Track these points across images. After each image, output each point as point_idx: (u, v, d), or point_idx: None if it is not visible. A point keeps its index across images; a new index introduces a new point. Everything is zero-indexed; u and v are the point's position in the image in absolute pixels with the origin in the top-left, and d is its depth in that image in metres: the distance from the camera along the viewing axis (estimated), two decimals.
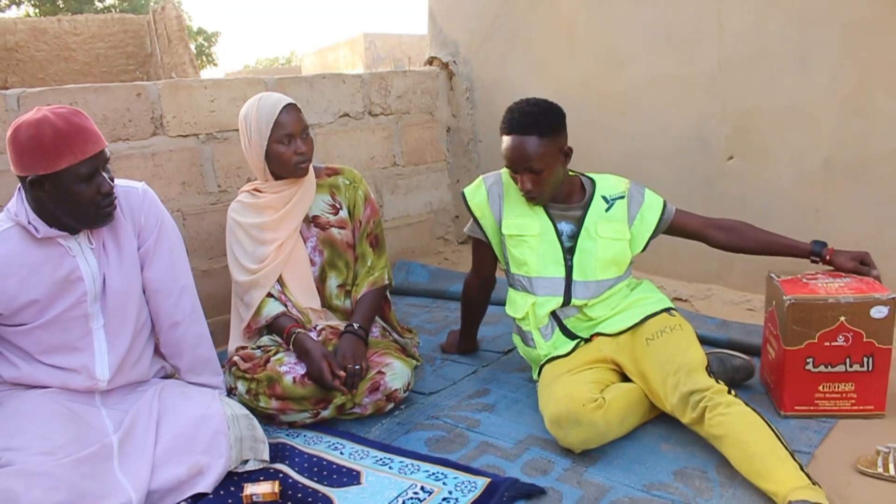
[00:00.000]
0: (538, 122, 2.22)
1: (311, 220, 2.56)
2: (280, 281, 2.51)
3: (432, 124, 4.18)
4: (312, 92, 3.52)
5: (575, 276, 2.32)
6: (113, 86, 2.88)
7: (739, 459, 1.84)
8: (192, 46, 16.56)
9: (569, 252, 2.34)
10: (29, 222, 1.92)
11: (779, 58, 2.93)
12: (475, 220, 2.48)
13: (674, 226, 2.42)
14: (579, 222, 2.35)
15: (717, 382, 1.97)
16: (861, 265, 2.26)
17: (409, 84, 4.01)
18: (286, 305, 2.49)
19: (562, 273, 2.32)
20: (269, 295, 2.47)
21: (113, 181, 1.97)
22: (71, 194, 1.88)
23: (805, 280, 2.25)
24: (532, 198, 2.31)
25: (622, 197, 2.38)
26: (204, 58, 23.69)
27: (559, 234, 2.34)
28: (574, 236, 2.34)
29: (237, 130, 3.17)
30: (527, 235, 2.36)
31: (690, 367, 2.03)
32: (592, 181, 2.43)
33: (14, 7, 21.69)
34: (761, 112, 3.02)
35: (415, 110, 4.06)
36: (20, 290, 1.92)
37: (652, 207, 2.40)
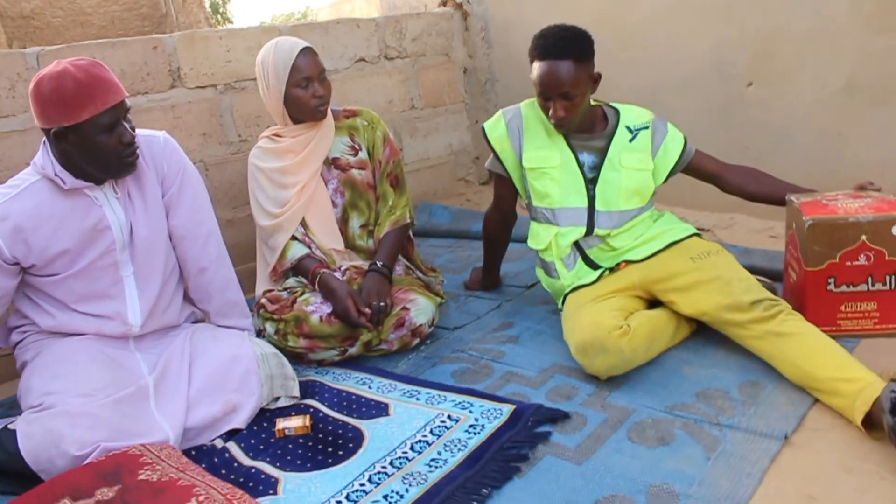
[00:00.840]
0: (572, 46, 2.20)
1: (332, 162, 2.59)
2: (303, 223, 2.55)
3: (448, 66, 4.16)
4: (327, 38, 3.51)
5: (598, 206, 2.33)
6: (130, 40, 2.90)
7: (812, 352, 1.88)
8: (207, 4, 16.46)
9: (591, 182, 2.34)
10: (56, 174, 1.96)
11: None
12: (495, 154, 2.48)
13: (692, 165, 2.43)
14: (602, 153, 2.35)
15: None
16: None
17: (423, 26, 3.99)
18: (310, 247, 2.53)
19: (584, 203, 2.33)
20: (294, 238, 2.51)
21: (134, 131, 2.00)
22: (94, 144, 1.91)
23: (825, 201, 2.23)
24: (562, 125, 2.29)
25: (646, 127, 2.38)
26: (219, 16, 23.55)
27: (581, 165, 2.35)
28: (597, 167, 2.34)
29: (254, 80, 3.20)
30: (548, 167, 2.37)
31: (756, 284, 2.12)
32: (616, 111, 2.42)
33: None
34: (781, 36, 2.97)
35: (430, 52, 4.04)
36: (51, 241, 1.97)
37: (675, 139, 2.41)
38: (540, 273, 2.52)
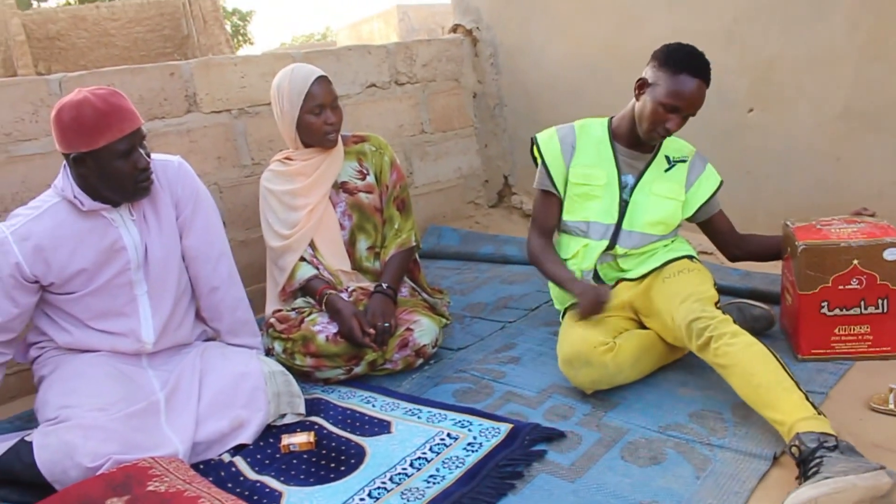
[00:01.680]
0: (708, 72, 2.25)
1: (340, 186, 2.67)
2: (312, 245, 2.62)
3: (458, 91, 4.24)
4: (339, 64, 3.61)
5: (624, 225, 2.39)
6: (148, 67, 3.01)
7: (745, 389, 1.88)
8: (228, 26, 16.75)
9: (624, 202, 2.40)
10: (74, 196, 2.06)
11: (795, 7, 2.94)
12: (546, 169, 2.47)
13: (713, 219, 2.49)
14: (640, 175, 2.41)
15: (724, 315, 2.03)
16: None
17: (434, 52, 4.08)
18: (318, 268, 2.61)
19: (614, 220, 2.39)
20: (302, 259, 2.59)
21: (149, 157, 2.10)
22: (110, 169, 2.01)
23: (819, 226, 2.28)
24: (663, 137, 2.32)
25: (684, 161, 2.43)
26: (240, 37, 23.91)
27: (622, 186, 2.41)
28: (632, 189, 2.41)
29: (268, 105, 3.29)
30: (593, 185, 2.41)
31: (698, 297, 2.11)
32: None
33: None
34: (779, 63, 3.04)
35: (440, 78, 4.13)
36: (70, 260, 2.06)
37: (710, 178, 2.46)
38: (554, 287, 2.55)
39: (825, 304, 2.20)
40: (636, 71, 2.41)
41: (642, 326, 2.34)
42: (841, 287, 2.18)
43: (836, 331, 2.23)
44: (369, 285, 2.62)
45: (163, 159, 2.25)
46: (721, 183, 2.47)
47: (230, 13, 23.41)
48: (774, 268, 3.05)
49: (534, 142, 2.53)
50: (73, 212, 2.08)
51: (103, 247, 2.10)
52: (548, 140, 2.51)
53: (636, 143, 2.40)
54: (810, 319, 2.23)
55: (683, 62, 2.23)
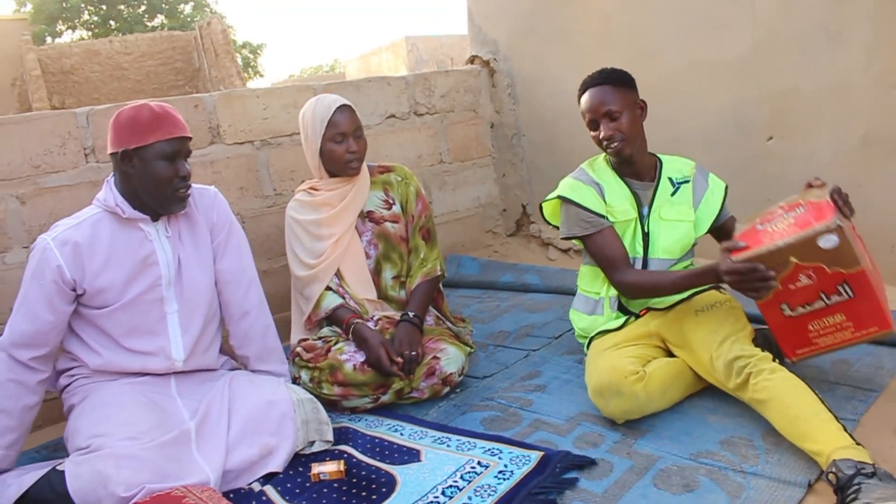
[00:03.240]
0: (604, 72, 2.43)
1: (366, 215, 2.69)
2: (338, 274, 2.64)
3: (476, 121, 4.29)
4: (359, 95, 3.65)
5: (650, 255, 2.41)
6: (172, 99, 3.04)
7: (783, 422, 1.89)
8: (238, 59, 16.94)
9: (644, 233, 2.42)
10: (116, 204, 2.14)
11: (812, 36, 2.97)
12: (584, 209, 2.40)
13: (725, 224, 2.49)
14: (649, 204, 2.43)
15: (763, 351, 2.03)
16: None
17: (452, 83, 4.13)
18: (344, 297, 2.62)
19: (640, 253, 2.42)
20: (328, 288, 2.61)
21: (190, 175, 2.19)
22: (153, 170, 2.10)
23: (760, 225, 2.10)
24: (614, 151, 2.37)
25: (687, 181, 2.45)
26: (250, 70, 24.14)
27: (641, 218, 2.43)
28: (646, 218, 2.43)
29: (289, 136, 3.35)
30: (628, 220, 2.43)
31: (736, 336, 2.10)
32: (659, 161, 2.50)
33: (69, 31, 22.45)
34: (798, 91, 3.06)
35: (459, 108, 4.17)
36: (103, 268, 2.12)
37: (715, 193, 2.47)
38: (576, 315, 2.57)
39: (785, 306, 2.07)
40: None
41: (669, 354, 2.34)
42: (792, 286, 2.01)
43: (811, 327, 2.08)
44: (395, 314, 2.63)
45: (200, 187, 2.34)
46: (726, 188, 2.48)
47: (241, 46, 23.65)
48: None
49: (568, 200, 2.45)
50: (112, 222, 2.16)
51: (137, 259, 2.16)
52: (574, 187, 2.45)
53: (637, 172, 2.44)
54: (779, 325, 2.11)
55: (580, 89, 2.45)
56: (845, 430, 1.79)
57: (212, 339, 2.33)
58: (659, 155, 2.51)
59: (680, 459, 1.95)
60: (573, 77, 3.89)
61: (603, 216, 2.40)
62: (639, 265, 2.40)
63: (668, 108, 3.45)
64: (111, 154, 2.13)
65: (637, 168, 2.43)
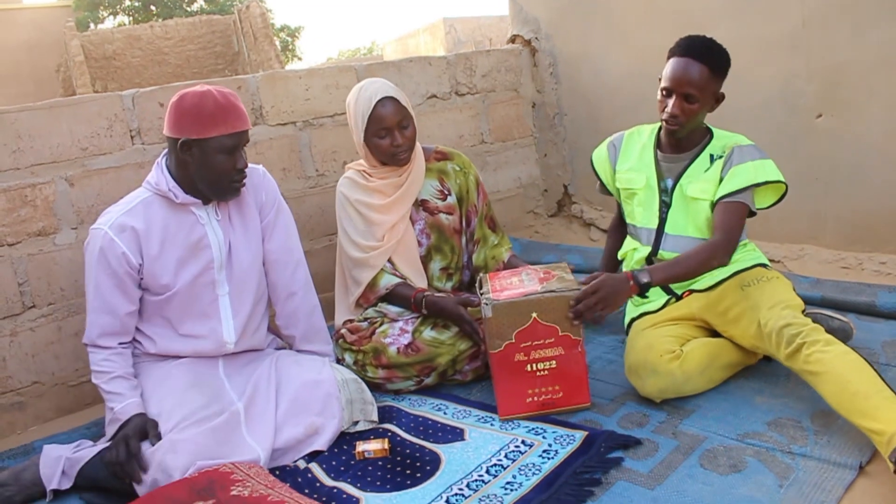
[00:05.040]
0: (702, 48, 2.29)
1: (420, 204, 2.64)
2: (390, 261, 2.58)
3: (518, 101, 4.25)
4: (401, 76, 3.64)
5: (667, 229, 2.37)
6: (216, 80, 3.06)
7: (840, 398, 1.79)
8: (277, 42, 17.02)
9: (665, 205, 2.38)
10: (169, 189, 2.14)
11: (865, 8, 2.88)
12: (597, 176, 2.63)
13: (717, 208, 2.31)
14: (677, 178, 2.37)
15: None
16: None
17: (493, 63, 4.10)
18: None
19: (655, 224, 2.39)
20: (382, 270, 2.56)
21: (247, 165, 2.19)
22: (213, 162, 2.10)
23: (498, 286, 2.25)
24: (673, 126, 2.29)
25: (721, 156, 2.31)
26: (288, 53, 24.24)
27: (661, 190, 2.39)
28: (671, 192, 2.38)
29: (331, 117, 3.36)
30: (635, 188, 2.43)
31: (787, 304, 2.05)
32: (711, 135, 2.39)
33: (111, 18, 22.77)
34: (849, 67, 2.98)
35: (500, 88, 4.14)
36: (160, 252, 2.14)
37: (740, 174, 2.24)
38: None
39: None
40: None
41: (713, 334, 2.30)
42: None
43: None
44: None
45: (249, 166, 2.31)
46: (752, 185, 2.24)
47: (279, 29, 23.73)
48: (845, 275, 3.01)
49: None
50: (163, 206, 2.17)
51: (190, 242, 2.18)
52: (598, 151, 2.62)
53: (677, 145, 2.38)
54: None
55: (674, 48, 2.29)
56: None
57: (260, 320, 2.35)
58: (714, 129, 2.40)
59: (727, 440, 1.93)
60: (616, 54, 3.87)
61: (602, 181, 2.61)
62: (652, 237, 2.39)
63: None
64: (169, 137, 2.12)
65: (679, 142, 2.37)
